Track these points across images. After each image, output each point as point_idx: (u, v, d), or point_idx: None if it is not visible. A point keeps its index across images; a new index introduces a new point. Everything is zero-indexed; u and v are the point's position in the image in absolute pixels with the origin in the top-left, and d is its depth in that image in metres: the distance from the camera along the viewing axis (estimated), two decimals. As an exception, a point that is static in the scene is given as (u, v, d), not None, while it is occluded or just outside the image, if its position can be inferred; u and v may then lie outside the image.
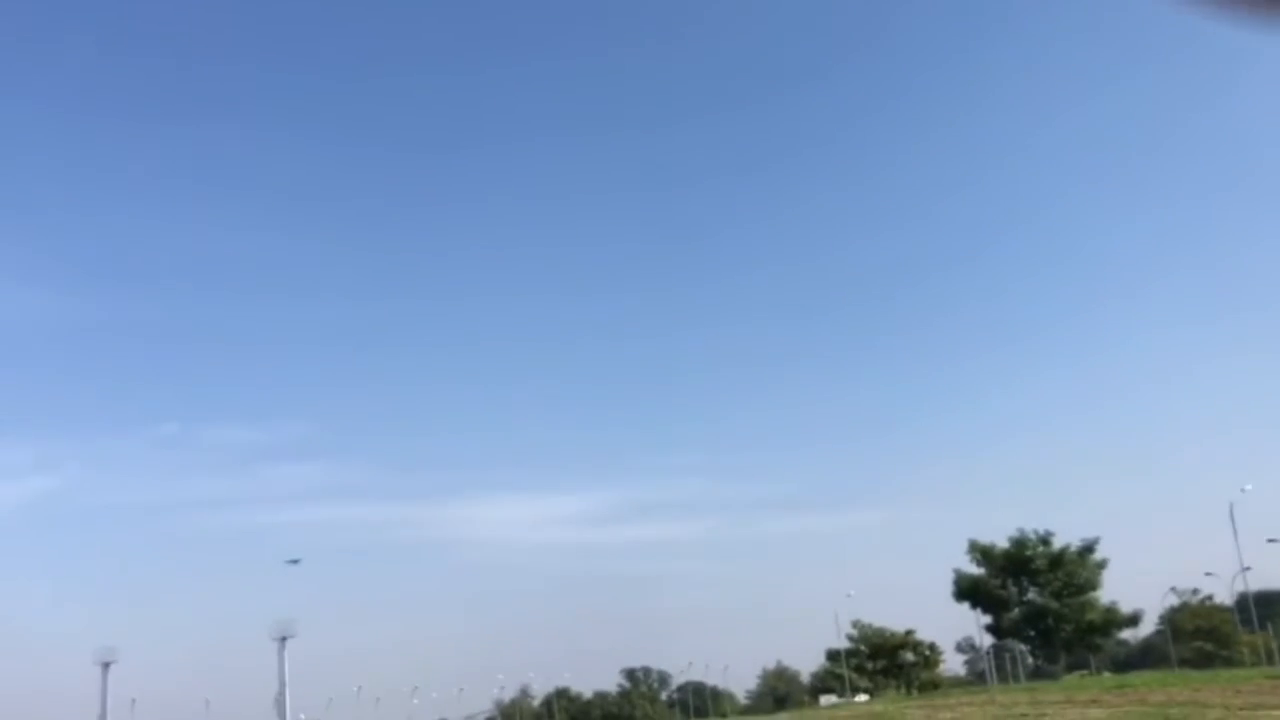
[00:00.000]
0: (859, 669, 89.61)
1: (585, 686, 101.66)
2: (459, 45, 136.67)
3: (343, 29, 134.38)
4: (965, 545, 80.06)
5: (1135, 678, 54.79)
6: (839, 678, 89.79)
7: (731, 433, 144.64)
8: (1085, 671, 79.72)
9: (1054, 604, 76.75)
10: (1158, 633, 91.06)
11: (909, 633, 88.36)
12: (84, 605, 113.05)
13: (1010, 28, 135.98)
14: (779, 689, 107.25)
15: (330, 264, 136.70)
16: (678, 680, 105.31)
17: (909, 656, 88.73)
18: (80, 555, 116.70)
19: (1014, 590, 79.61)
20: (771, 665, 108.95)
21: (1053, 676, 73.28)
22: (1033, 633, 79.62)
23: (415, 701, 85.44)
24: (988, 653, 79.72)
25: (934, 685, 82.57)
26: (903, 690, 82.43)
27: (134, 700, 69.90)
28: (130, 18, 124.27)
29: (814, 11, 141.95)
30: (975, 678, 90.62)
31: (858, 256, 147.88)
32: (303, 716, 78.40)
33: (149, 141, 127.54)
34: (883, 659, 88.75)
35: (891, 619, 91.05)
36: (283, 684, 74.94)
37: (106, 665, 69.89)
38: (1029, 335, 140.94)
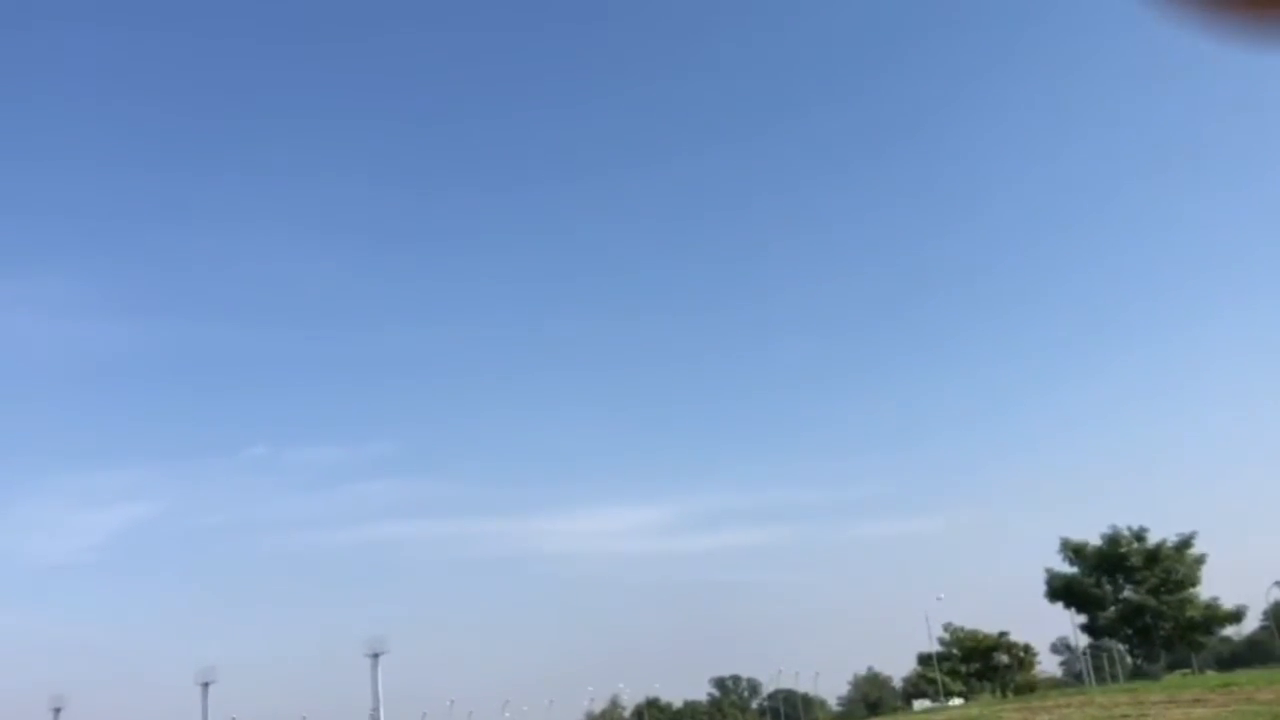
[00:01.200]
0: (952, 673, 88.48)
1: (675, 696, 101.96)
2: (544, 79, 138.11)
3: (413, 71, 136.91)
4: (1056, 544, 78.71)
5: (1241, 676, 53.35)
6: (932, 682, 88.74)
7: (813, 439, 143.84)
8: (1187, 670, 77.75)
9: (1152, 601, 74.98)
10: (1263, 629, 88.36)
11: (1002, 634, 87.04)
12: (183, 626, 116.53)
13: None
14: (871, 694, 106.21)
15: (411, 290, 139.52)
16: (768, 688, 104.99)
17: (1003, 659, 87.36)
18: (177, 578, 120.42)
19: (1109, 588, 77.97)
20: (862, 671, 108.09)
21: (1153, 676, 71.64)
22: (1130, 631, 77.85)
23: (506, 715, 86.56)
24: (1084, 653, 78.34)
25: (1030, 687, 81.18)
26: (998, 693, 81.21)
27: (233, 718, 71.86)
28: (203, 50, 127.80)
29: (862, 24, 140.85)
30: (1072, 679, 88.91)
31: (934, 256, 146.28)
32: (398, 731, 79.85)
33: (233, 172, 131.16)
34: (976, 662, 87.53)
35: (983, 621, 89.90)
36: (377, 699, 76.56)
37: (206, 685, 71.91)
38: (1114, 326, 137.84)
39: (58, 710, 67.96)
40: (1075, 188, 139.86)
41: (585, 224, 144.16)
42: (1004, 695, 77.62)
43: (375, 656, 77.09)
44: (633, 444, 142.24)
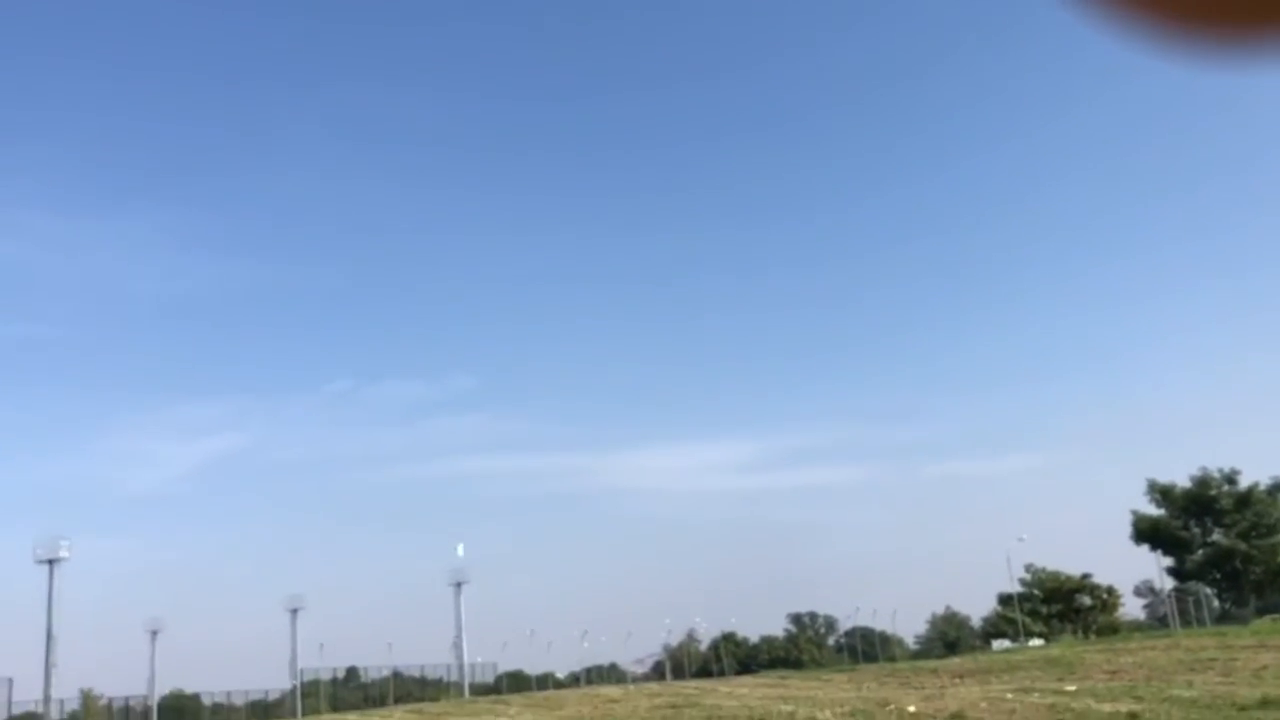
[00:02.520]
0: (1032, 613, 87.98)
1: (751, 631, 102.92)
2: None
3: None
4: (1143, 486, 77.57)
5: (1333, 621, 52.26)
6: (1011, 622, 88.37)
7: (896, 377, 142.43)
8: (1277, 616, 76.43)
9: (1241, 545, 73.63)
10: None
11: (1085, 576, 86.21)
12: (270, 556, 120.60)
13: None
14: (949, 634, 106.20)
15: (496, 223, 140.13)
16: (845, 625, 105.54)
17: (1085, 600, 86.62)
18: (264, 509, 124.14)
19: (1197, 531, 76.76)
20: (940, 610, 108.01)
21: (1241, 620, 70.52)
22: (1218, 575, 76.68)
23: (585, 645, 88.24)
24: (1169, 596, 77.23)
25: (1112, 630, 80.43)
26: (1079, 635, 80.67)
27: (321, 645, 74.58)
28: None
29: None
30: (1156, 622, 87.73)
31: (1016, 203, 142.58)
32: (479, 659, 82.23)
33: (319, 105, 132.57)
34: (1058, 603, 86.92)
35: (1066, 563, 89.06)
36: (459, 628, 78.85)
37: (295, 612, 74.67)
38: (1209, 268, 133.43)
39: (154, 633, 71.11)
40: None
41: (679, 142, 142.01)
42: (1086, 637, 77.03)
43: (458, 586, 79.26)
44: (714, 381, 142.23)
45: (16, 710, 58.94)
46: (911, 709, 18.42)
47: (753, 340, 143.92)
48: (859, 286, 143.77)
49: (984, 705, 17.93)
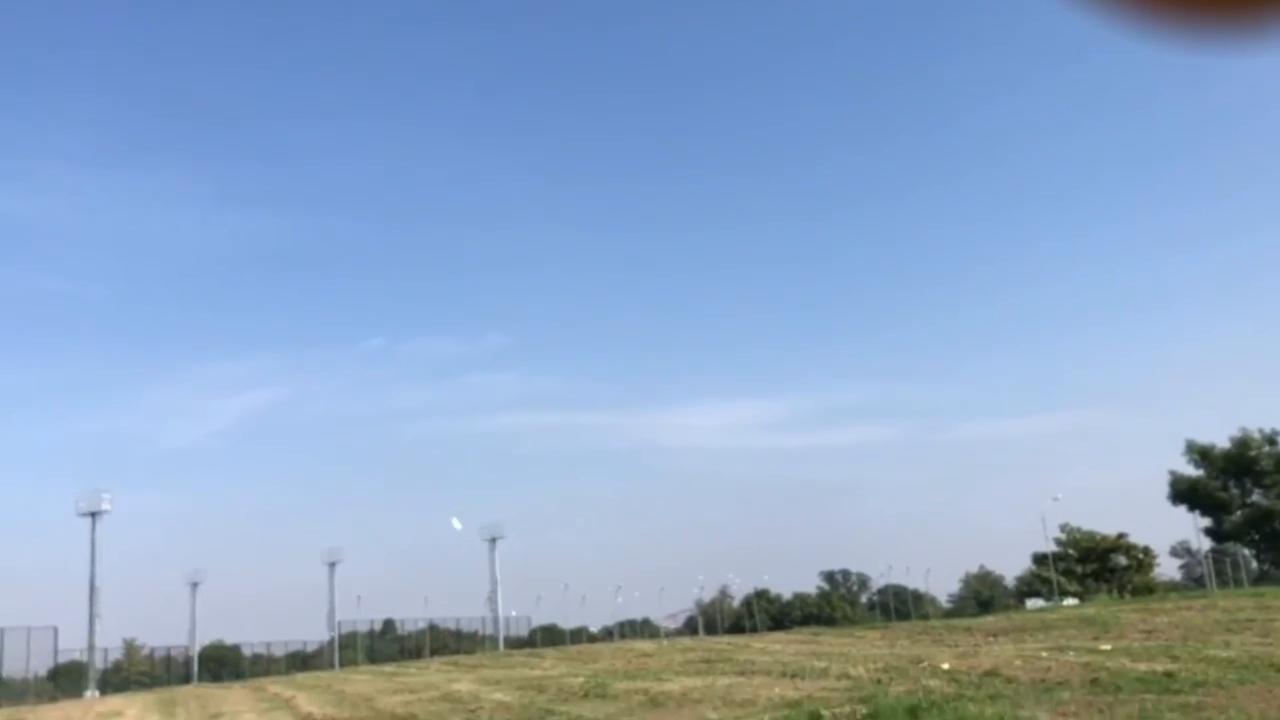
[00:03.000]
0: (1067, 573, 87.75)
1: (784, 588, 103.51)
2: None
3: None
4: (1180, 446, 76.87)
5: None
6: (1046, 581, 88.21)
7: (922, 337, 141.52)
8: (1316, 577, 75.78)
9: (1281, 506, 72.91)
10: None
11: (1121, 536, 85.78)
12: (307, 510, 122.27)
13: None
14: (982, 593, 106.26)
15: (524, 185, 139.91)
16: (877, 584, 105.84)
17: (1121, 560, 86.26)
18: (301, 464, 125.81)
19: (1236, 492, 76.06)
20: (974, 570, 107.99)
21: (1279, 581, 70.00)
22: (1256, 536, 76.02)
23: (619, 600, 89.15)
24: (1206, 557, 76.75)
25: (1148, 589, 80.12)
26: (1114, 594, 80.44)
27: (359, 597, 75.81)
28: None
29: None
30: (1192, 583, 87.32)
31: (1049, 150, 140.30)
32: (513, 613, 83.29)
33: (354, 56, 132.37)
34: (1093, 563, 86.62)
35: (1101, 523, 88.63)
36: (494, 582, 79.77)
37: (332, 565, 75.84)
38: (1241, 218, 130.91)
39: (195, 585, 72.51)
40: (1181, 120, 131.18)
41: (712, 92, 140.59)
42: (1121, 597, 76.83)
43: (492, 541, 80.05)
44: (748, 340, 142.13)
45: (62, 659, 60.44)
46: (945, 666, 18.49)
47: (785, 299, 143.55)
48: (894, 245, 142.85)
49: (1018, 663, 17.97)
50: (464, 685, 23.41)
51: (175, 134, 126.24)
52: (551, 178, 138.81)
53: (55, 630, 57.54)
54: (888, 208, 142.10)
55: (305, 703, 22.20)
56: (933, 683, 15.70)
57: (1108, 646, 20.19)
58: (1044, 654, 19.75)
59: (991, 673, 16.51)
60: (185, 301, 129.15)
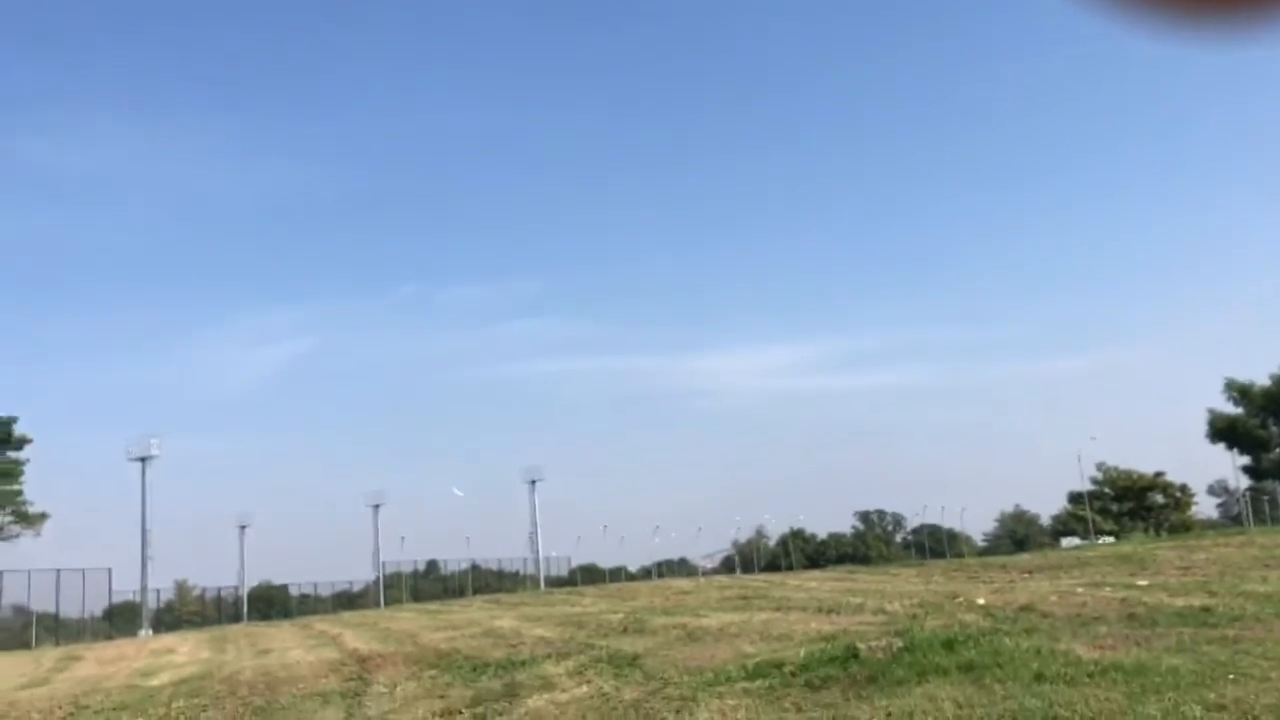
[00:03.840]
0: (1103, 511, 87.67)
1: (819, 528, 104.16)
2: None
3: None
4: (1220, 384, 76.07)
5: None
6: (1081, 520, 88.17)
7: (961, 276, 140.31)
8: (1357, 514, 75.14)
9: (1322, 444, 72.19)
10: None
11: (1158, 474, 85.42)
12: (350, 455, 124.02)
13: None
14: (1017, 532, 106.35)
15: (554, 130, 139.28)
16: (912, 523, 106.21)
17: (1158, 499, 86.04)
18: (342, 410, 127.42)
19: (1275, 430, 75.32)
20: (1009, 509, 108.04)
21: (1319, 519, 69.56)
22: (1296, 474, 75.45)
23: (656, 540, 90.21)
24: (1244, 495, 76.31)
25: (1185, 528, 79.91)
26: (1151, 533, 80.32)
27: (402, 539, 77.12)
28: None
29: None
30: (1229, 521, 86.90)
31: (1100, 92, 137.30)
32: (553, 553, 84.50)
33: (396, 13, 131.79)
34: (1129, 501, 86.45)
35: (1138, 462, 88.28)
36: (534, 523, 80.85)
37: (376, 508, 77.18)
38: None
39: (243, 527, 74.10)
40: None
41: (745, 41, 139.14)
42: (1158, 535, 76.69)
43: (532, 484, 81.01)
44: (783, 284, 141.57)
45: (116, 600, 62.17)
46: (980, 601, 18.70)
47: (823, 243, 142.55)
48: (925, 184, 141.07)
49: (1054, 599, 18.14)
50: (505, 622, 23.95)
51: (214, 86, 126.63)
52: (584, 118, 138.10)
53: (109, 572, 59.08)
54: (921, 153, 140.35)
55: (351, 639, 22.83)
56: (968, 617, 15.93)
57: (1144, 582, 20.32)
58: (1079, 590, 19.92)
59: (1027, 608, 16.72)
60: (228, 252, 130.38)
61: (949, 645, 11.63)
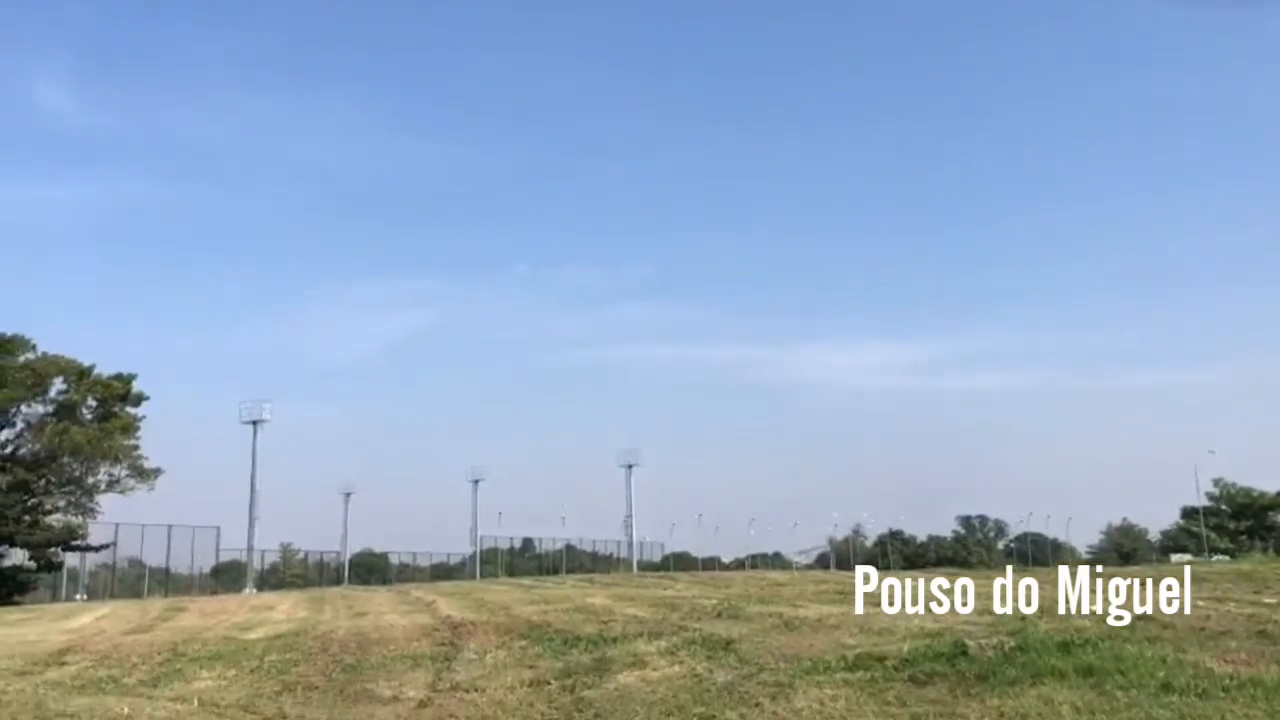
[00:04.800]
0: (1218, 529, 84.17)
1: (919, 530, 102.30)
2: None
3: None
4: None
5: None
6: (1193, 536, 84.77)
7: (1071, 283, 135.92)
8: None
9: None
10: None
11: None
12: (454, 428, 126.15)
13: None
14: (1124, 545, 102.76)
15: (680, 114, 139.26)
16: (1015, 531, 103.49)
17: (1278, 518, 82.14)
18: (449, 384, 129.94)
19: None
20: (1116, 522, 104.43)
21: None
22: None
23: (751, 532, 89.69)
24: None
25: (1307, 550, 76.13)
26: (1270, 554, 76.68)
27: (500, 514, 78.07)
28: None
29: None
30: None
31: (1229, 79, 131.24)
32: (647, 538, 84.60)
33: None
34: (1247, 520, 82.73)
35: (1259, 480, 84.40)
36: (630, 507, 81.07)
37: (476, 482, 78.40)
38: None
39: (347, 495, 75.94)
40: None
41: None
42: (1277, 555, 73.17)
43: (629, 468, 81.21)
44: (891, 282, 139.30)
45: (224, 558, 64.36)
46: (1094, 608, 17.80)
47: (937, 241, 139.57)
48: (1042, 190, 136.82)
49: (1172, 610, 17.17)
50: (598, 600, 23.79)
51: (342, 63, 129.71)
52: (701, 108, 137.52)
53: (218, 530, 61.18)
54: (1047, 152, 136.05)
55: (445, 606, 22.93)
56: (1083, 623, 15.14)
57: (1272, 600, 19.16)
58: (1201, 603, 18.83)
59: (1145, 617, 15.82)
60: (346, 224, 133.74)
61: (1065, 648, 10.99)
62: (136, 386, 54.40)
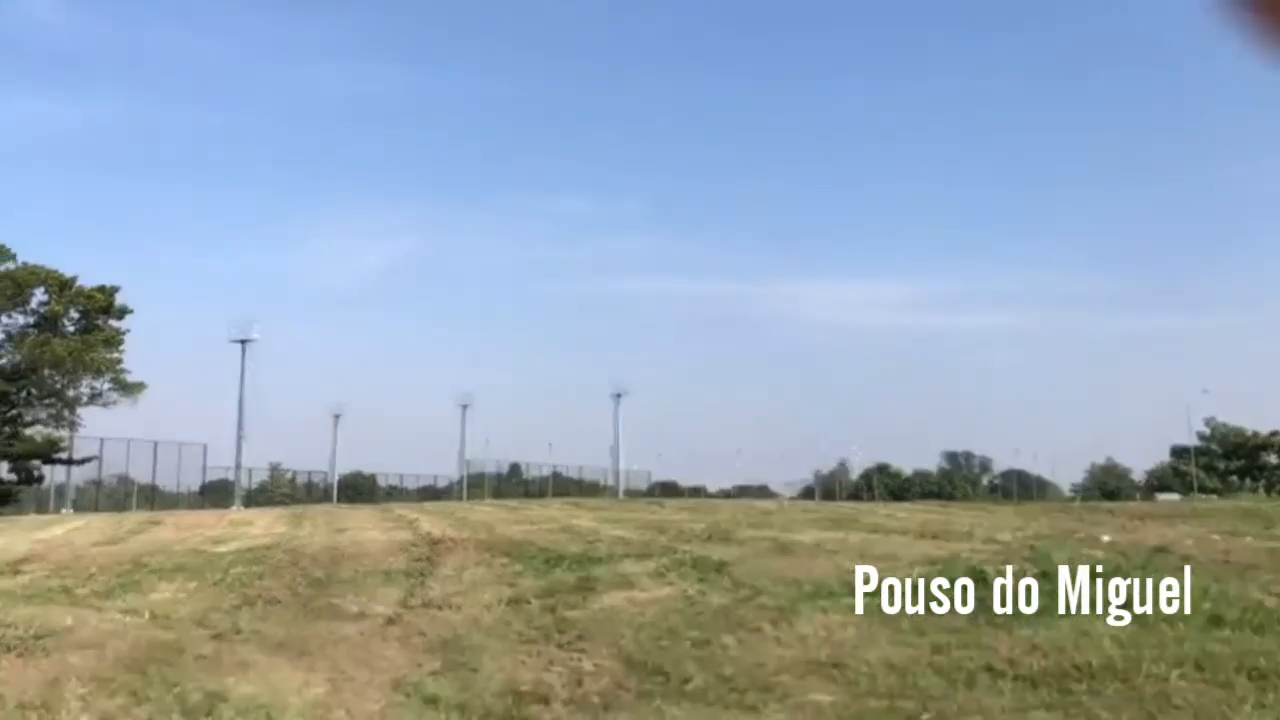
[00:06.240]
0: (1208, 468, 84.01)
1: (905, 465, 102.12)
2: None
3: None
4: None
5: None
6: (1181, 475, 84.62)
7: (1068, 222, 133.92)
8: None
9: None
10: None
11: (1274, 434, 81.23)
12: (442, 355, 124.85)
13: None
14: (1108, 484, 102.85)
15: (681, 46, 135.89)
16: (1000, 467, 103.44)
17: (1271, 459, 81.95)
18: (438, 310, 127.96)
19: None
20: (1100, 461, 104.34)
21: None
22: None
23: (738, 464, 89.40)
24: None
25: (1298, 491, 76.11)
26: (1260, 493, 76.63)
27: (487, 440, 77.52)
28: None
29: None
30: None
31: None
32: (634, 467, 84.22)
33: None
34: (1239, 460, 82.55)
35: (1252, 420, 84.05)
36: (617, 436, 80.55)
37: (464, 408, 77.70)
38: None
39: (337, 416, 75.11)
40: None
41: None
42: (1268, 495, 73.09)
43: (617, 397, 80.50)
44: (884, 219, 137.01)
45: (211, 476, 63.64)
46: (1105, 538, 16.97)
47: (931, 179, 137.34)
48: (1049, 132, 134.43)
49: (1189, 542, 16.34)
50: (584, 522, 23.04)
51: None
52: (698, 34, 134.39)
53: (204, 447, 60.32)
54: (1033, 90, 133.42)
55: (427, 524, 22.14)
56: (1097, 553, 14.26)
57: (1286, 534, 18.41)
58: (1215, 537, 18.03)
59: (1161, 549, 14.95)
60: (337, 148, 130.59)
61: (1093, 576, 10.09)
62: (120, 300, 53.13)
